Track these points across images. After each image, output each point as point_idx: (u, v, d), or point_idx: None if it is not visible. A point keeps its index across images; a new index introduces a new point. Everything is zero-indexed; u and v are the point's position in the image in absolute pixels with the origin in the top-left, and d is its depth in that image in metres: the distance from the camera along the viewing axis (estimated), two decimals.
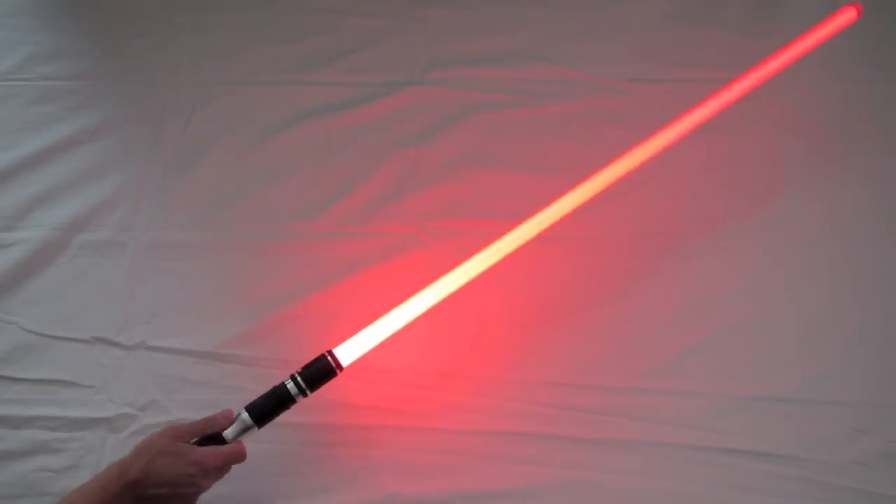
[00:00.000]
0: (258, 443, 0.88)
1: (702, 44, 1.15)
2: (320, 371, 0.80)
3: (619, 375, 0.92)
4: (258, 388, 0.89)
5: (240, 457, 0.76)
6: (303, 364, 0.80)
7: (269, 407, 0.79)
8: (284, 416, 0.89)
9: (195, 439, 0.76)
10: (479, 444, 0.89)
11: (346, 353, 0.82)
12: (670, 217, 1.02)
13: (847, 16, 1.03)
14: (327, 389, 0.91)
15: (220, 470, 0.76)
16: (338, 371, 0.81)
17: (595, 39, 1.15)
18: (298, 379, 0.79)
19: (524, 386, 0.92)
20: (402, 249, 0.99)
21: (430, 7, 1.18)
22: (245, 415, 0.78)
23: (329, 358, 0.80)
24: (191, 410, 0.89)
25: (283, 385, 0.79)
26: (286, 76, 1.13)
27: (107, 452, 0.88)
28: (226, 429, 0.77)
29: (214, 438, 0.77)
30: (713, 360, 0.93)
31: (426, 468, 0.87)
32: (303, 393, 0.79)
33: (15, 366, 0.93)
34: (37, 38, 1.15)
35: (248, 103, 1.11)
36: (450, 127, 1.09)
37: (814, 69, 1.12)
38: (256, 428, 0.78)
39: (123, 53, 1.15)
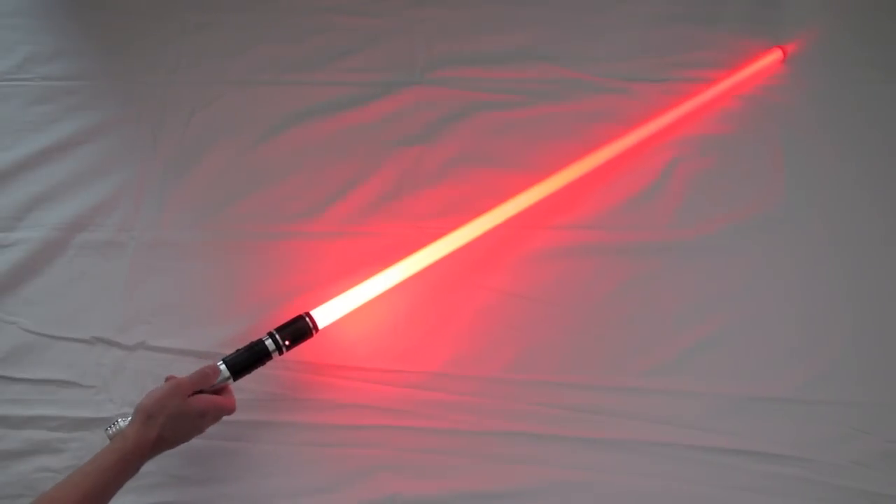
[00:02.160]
0: (259, 443, 0.88)
1: (702, 44, 1.15)
2: (298, 331, 0.84)
3: (619, 375, 0.92)
4: (258, 388, 0.90)
5: (231, 409, 0.80)
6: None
7: (246, 361, 0.82)
8: (285, 417, 0.90)
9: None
10: (479, 444, 0.88)
11: (324, 316, 0.86)
12: (670, 217, 1.02)
13: (774, 56, 1.09)
14: (327, 389, 0.91)
15: (217, 417, 0.80)
16: (314, 332, 0.85)
17: (595, 39, 1.16)
18: (277, 336, 0.83)
19: (524, 386, 0.92)
20: (402, 250, 0.99)
21: (430, 7, 1.18)
22: (223, 366, 0.81)
23: (307, 319, 0.84)
24: None
25: (260, 341, 0.83)
26: (286, 76, 1.13)
27: None
28: (214, 382, 0.80)
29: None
30: (713, 360, 0.93)
31: (426, 468, 0.87)
32: (279, 350, 0.83)
33: (15, 366, 0.92)
34: (37, 38, 1.15)
35: (248, 103, 1.11)
36: (450, 127, 1.09)
37: (814, 69, 1.13)
38: (232, 380, 0.82)
39: (123, 53, 1.15)
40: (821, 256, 1.00)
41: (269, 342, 0.82)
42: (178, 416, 0.74)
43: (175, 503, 0.85)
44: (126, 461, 0.71)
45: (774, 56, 1.11)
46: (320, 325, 0.85)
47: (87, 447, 0.88)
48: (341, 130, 1.09)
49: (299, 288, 0.97)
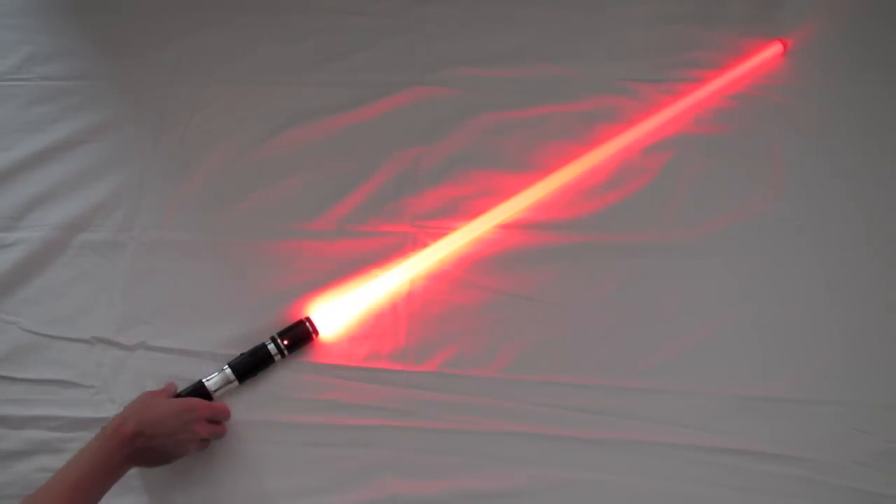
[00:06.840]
0: (259, 443, 0.88)
1: (702, 44, 1.15)
2: (298, 335, 0.88)
3: (619, 375, 0.92)
4: (258, 388, 0.90)
5: (224, 412, 0.85)
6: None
7: (249, 365, 0.86)
8: (285, 417, 0.90)
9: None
10: (479, 444, 0.89)
11: (324, 319, 0.89)
12: (670, 217, 1.02)
13: (774, 50, 1.08)
14: (327, 389, 0.91)
15: (211, 423, 0.82)
16: (314, 336, 0.89)
17: (595, 39, 1.15)
18: (278, 340, 0.86)
19: (524, 386, 0.92)
20: (402, 249, 0.99)
21: (430, 7, 1.18)
22: (228, 370, 0.85)
23: (307, 324, 0.88)
24: None
25: (263, 346, 0.86)
26: (286, 76, 1.13)
27: None
28: (174, 391, 0.84)
29: (201, 395, 0.86)
30: (713, 360, 0.93)
31: (426, 468, 0.87)
32: (281, 354, 0.87)
33: (15, 366, 0.93)
34: (37, 38, 1.15)
35: (248, 103, 1.11)
36: (450, 127, 1.09)
37: (814, 70, 1.13)
38: (237, 383, 0.86)
39: (123, 53, 1.15)
40: (820, 256, 1.00)
41: (271, 346, 0.85)
42: (152, 407, 0.76)
43: (175, 503, 0.85)
44: (107, 450, 0.71)
45: (775, 49, 1.11)
46: (321, 328, 0.86)
47: None
48: (341, 130, 1.08)
49: (299, 288, 0.97)
